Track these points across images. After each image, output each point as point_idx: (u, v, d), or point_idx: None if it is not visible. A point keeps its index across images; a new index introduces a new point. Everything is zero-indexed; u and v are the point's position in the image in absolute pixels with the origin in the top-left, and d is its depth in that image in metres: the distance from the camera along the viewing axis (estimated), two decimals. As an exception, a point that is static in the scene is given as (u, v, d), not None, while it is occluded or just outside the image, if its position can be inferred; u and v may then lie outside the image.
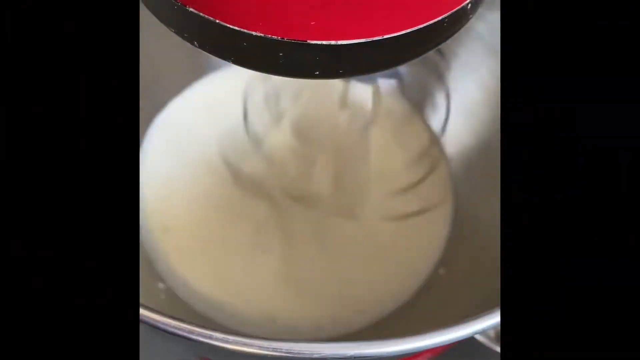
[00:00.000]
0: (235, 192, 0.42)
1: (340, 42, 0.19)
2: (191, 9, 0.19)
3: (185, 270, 0.40)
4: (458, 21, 0.21)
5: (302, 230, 0.41)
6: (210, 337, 0.23)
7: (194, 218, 0.41)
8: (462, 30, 0.22)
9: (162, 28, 0.21)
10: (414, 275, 0.40)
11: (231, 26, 0.19)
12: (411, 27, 0.20)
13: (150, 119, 0.45)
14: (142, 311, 0.24)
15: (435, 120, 0.44)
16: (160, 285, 0.40)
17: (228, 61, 0.20)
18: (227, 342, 0.23)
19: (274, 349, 0.23)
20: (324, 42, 0.19)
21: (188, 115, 0.45)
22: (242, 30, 0.19)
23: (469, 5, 0.21)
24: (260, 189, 0.41)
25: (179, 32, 0.20)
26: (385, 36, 0.19)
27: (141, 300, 0.24)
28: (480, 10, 0.22)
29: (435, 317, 0.36)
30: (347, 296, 0.39)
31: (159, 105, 0.46)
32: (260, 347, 0.23)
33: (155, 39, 0.37)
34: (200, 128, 0.45)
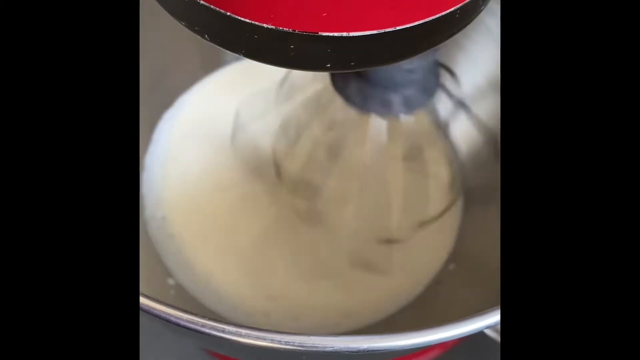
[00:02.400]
0: (247, 187, 0.42)
1: (351, 34, 0.19)
2: (202, 2, 0.19)
3: (195, 265, 0.40)
4: (470, 13, 0.21)
5: (315, 228, 0.41)
6: (223, 331, 0.23)
7: (205, 213, 0.41)
8: (471, 23, 0.22)
9: (171, 23, 0.21)
10: (424, 271, 0.40)
11: (242, 19, 0.19)
12: (423, 18, 0.20)
13: (160, 114, 0.45)
14: (154, 304, 0.24)
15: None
16: (170, 281, 0.40)
17: (239, 54, 0.20)
18: (239, 335, 0.23)
19: (287, 342, 0.23)
20: (335, 34, 0.19)
21: (198, 110, 0.45)
22: (253, 22, 0.19)
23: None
24: (272, 186, 0.41)
25: (190, 26, 0.20)
26: (397, 27, 0.19)
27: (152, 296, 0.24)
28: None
29: (445, 312, 0.36)
30: (359, 291, 0.39)
31: (169, 100, 0.46)
32: (272, 341, 0.23)
33: (164, 34, 0.37)
34: (211, 124, 0.45)
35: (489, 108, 0.43)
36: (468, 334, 0.25)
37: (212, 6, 0.19)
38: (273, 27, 0.19)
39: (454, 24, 0.21)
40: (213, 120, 0.45)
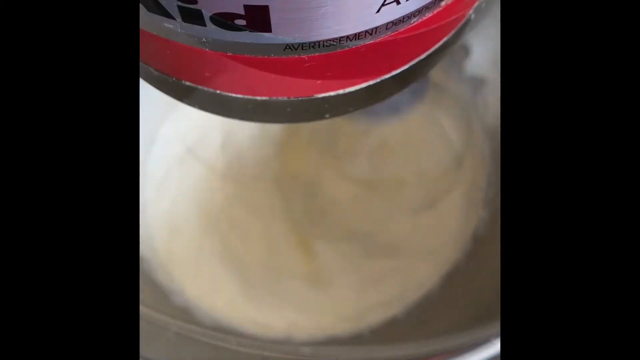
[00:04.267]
0: (247, 192, 0.42)
1: (347, 90, 0.18)
2: (188, 83, 0.18)
3: (202, 278, 0.40)
4: (459, 36, 0.20)
5: (320, 236, 0.40)
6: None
7: (206, 226, 0.41)
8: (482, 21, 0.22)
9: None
10: (437, 266, 0.39)
11: (234, 95, 0.18)
12: (416, 58, 0.19)
13: (163, 119, 0.44)
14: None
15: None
16: (174, 286, 0.40)
17: (234, 119, 0.20)
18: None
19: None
20: (332, 93, 0.18)
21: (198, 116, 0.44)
22: (245, 97, 0.18)
23: (472, 15, 0.20)
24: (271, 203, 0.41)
25: (178, 98, 0.19)
26: (393, 73, 0.19)
27: (156, 306, 0.24)
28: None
29: (449, 316, 0.36)
30: (371, 292, 0.39)
31: (171, 105, 0.44)
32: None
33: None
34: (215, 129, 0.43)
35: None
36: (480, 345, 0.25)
37: (199, 86, 0.18)
38: (267, 97, 0.18)
39: (445, 50, 0.20)
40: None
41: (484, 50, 0.41)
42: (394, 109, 0.33)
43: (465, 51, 0.41)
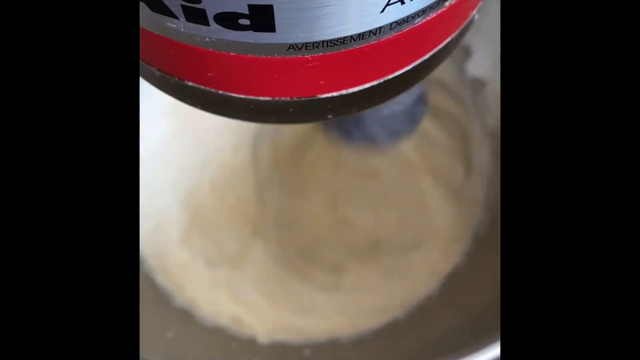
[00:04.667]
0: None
1: (350, 90, 0.18)
2: (191, 84, 0.18)
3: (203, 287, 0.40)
4: (460, 39, 0.20)
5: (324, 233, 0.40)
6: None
7: (207, 228, 0.41)
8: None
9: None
10: (437, 268, 0.39)
11: (237, 95, 0.18)
12: (420, 58, 0.19)
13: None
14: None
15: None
16: (175, 287, 0.40)
17: (236, 119, 0.20)
18: None
19: None
20: (334, 94, 0.18)
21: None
22: (248, 97, 0.18)
23: (475, 16, 0.20)
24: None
25: (180, 99, 0.19)
26: (396, 73, 0.19)
27: (156, 306, 0.24)
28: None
29: (458, 313, 0.35)
30: (372, 294, 0.38)
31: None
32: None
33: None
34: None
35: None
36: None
37: (202, 87, 0.18)
38: (270, 98, 0.18)
39: (450, 50, 0.20)
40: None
41: (484, 51, 0.41)
42: (394, 136, 0.33)
43: (466, 52, 0.41)
